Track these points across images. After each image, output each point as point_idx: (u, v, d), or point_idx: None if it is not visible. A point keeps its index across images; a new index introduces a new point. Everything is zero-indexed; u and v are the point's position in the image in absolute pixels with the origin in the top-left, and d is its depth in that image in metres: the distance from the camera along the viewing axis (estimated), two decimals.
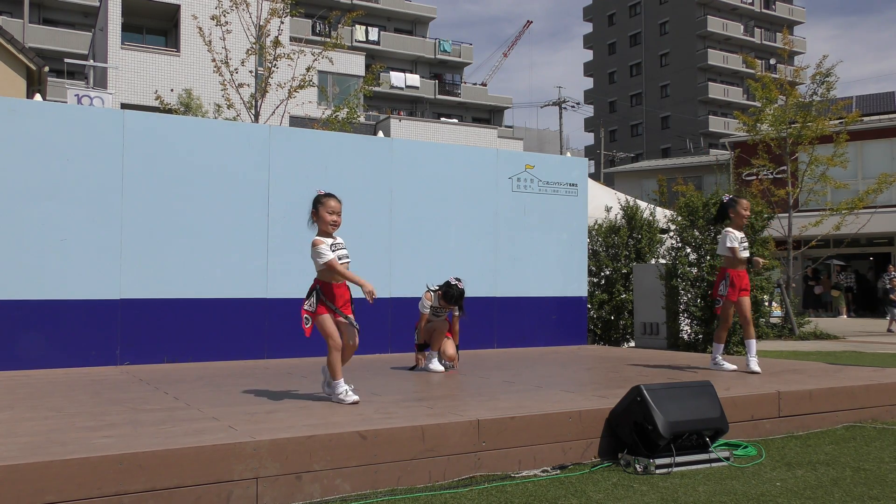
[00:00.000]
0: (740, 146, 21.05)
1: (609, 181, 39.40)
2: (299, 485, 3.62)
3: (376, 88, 19.40)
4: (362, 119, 22.81)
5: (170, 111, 16.67)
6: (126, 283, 7.26)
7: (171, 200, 7.49)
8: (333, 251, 4.79)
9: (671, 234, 11.40)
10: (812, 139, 16.49)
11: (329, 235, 4.87)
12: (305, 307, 4.80)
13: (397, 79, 46.49)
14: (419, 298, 6.79)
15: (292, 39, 21.62)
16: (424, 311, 6.70)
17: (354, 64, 33.63)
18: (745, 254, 6.78)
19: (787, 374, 6.44)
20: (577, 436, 4.39)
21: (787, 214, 16.84)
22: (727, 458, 4.36)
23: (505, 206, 9.36)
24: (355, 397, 4.77)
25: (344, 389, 4.79)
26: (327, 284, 4.81)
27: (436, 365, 6.69)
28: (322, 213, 4.85)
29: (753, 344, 6.70)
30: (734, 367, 6.71)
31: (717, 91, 61.56)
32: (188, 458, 3.40)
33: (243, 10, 14.69)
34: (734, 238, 6.70)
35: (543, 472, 4.13)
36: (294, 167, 8.05)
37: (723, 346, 6.82)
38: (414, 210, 8.76)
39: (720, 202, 7.05)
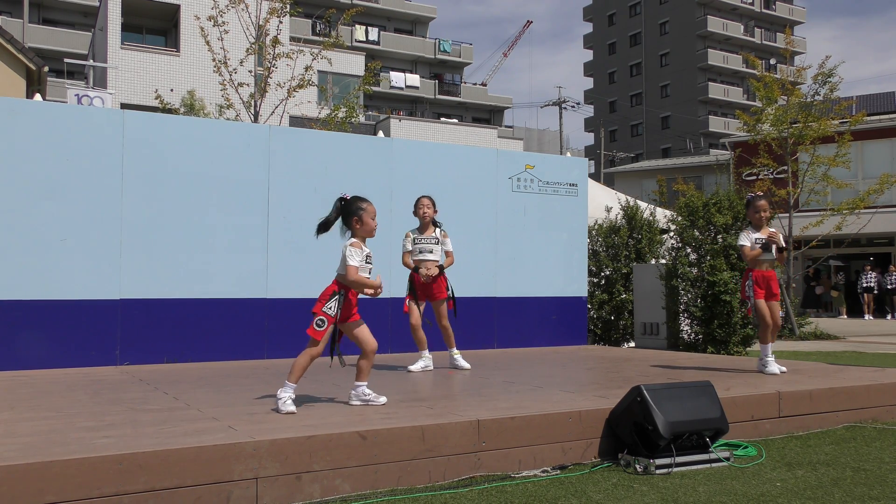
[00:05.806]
0: (741, 146, 21.02)
1: (609, 181, 39.40)
2: (299, 485, 3.62)
3: (376, 88, 19.41)
4: (361, 119, 22.81)
5: (169, 111, 16.65)
6: (126, 283, 7.26)
7: (171, 200, 7.48)
8: (365, 263, 4.62)
9: (671, 234, 11.40)
10: (814, 139, 16.46)
11: (364, 244, 4.68)
12: (324, 310, 4.52)
13: (397, 79, 46.51)
14: None
15: (292, 39, 21.61)
16: (407, 250, 6.83)
17: (354, 64, 33.60)
18: (766, 255, 6.53)
19: (787, 374, 6.42)
20: (578, 436, 4.38)
21: (787, 214, 16.83)
22: (727, 459, 4.35)
23: (505, 206, 9.35)
24: (292, 408, 4.38)
25: (288, 396, 4.43)
26: (349, 290, 4.63)
27: (416, 366, 6.71)
28: (366, 218, 4.65)
29: (769, 348, 6.56)
30: (783, 368, 6.47)
31: (717, 91, 61.57)
32: (188, 459, 3.40)
33: (242, 9, 14.68)
34: (745, 236, 6.57)
35: (543, 472, 4.13)
36: (294, 167, 8.05)
37: (769, 346, 6.55)
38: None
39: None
